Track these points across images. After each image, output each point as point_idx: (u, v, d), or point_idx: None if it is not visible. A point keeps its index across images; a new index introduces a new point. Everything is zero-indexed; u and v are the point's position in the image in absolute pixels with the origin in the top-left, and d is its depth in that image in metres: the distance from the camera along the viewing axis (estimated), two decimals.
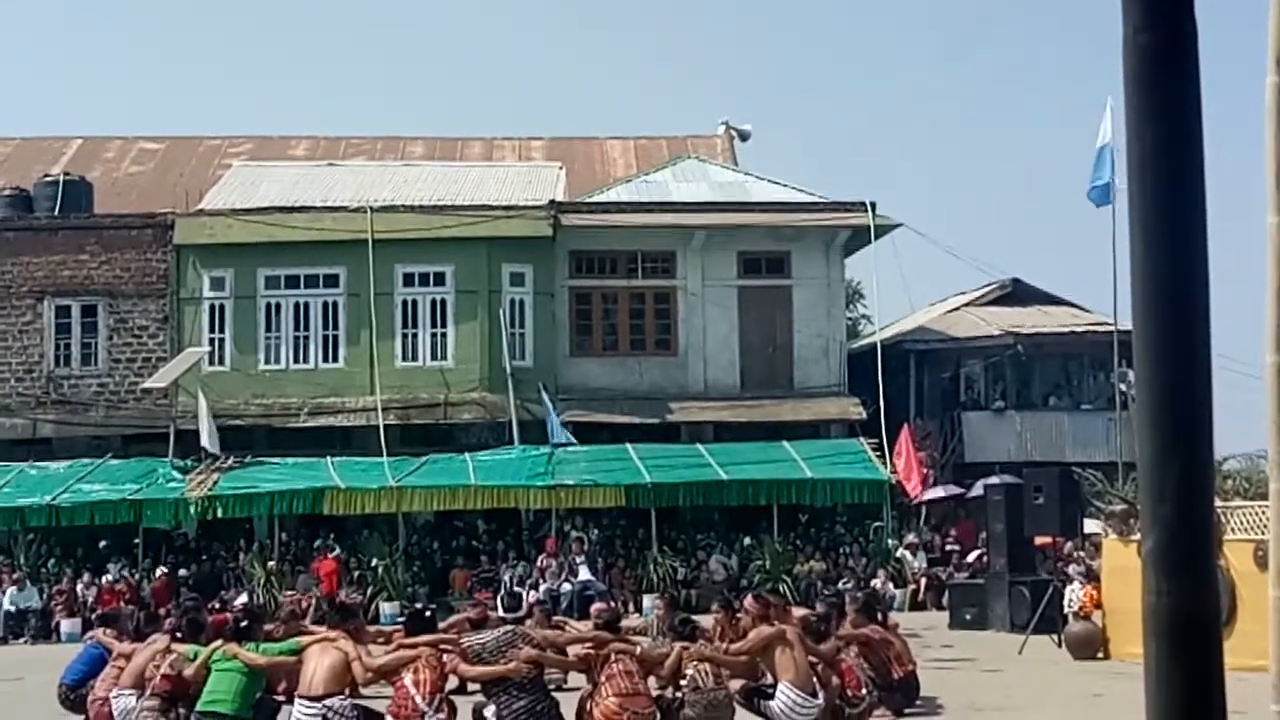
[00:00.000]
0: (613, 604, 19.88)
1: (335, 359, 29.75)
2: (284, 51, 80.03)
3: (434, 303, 29.82)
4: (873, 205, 30.53)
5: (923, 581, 26.45)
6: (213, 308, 29.93)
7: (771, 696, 10.93)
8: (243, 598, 23.83)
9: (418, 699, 9.85)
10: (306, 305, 29.89)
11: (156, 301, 30.12)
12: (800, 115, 75.85)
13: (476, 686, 10.95)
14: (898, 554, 26.95)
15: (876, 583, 25.62)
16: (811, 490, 27.06)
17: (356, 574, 26.16)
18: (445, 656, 10.41)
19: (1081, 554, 22.55)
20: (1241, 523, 15.08)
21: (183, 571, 26.66)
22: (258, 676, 10.77)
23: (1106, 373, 30.01)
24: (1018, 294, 34.92)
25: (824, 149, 73.10)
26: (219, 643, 10.96)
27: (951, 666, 16.33)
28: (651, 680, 11.00)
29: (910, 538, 27.58)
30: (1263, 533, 13.87)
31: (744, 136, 40.02)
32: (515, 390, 28.67)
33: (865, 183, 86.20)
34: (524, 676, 10.03)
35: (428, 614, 11.68)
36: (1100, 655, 16.83)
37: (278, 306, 29.88)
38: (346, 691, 10.29)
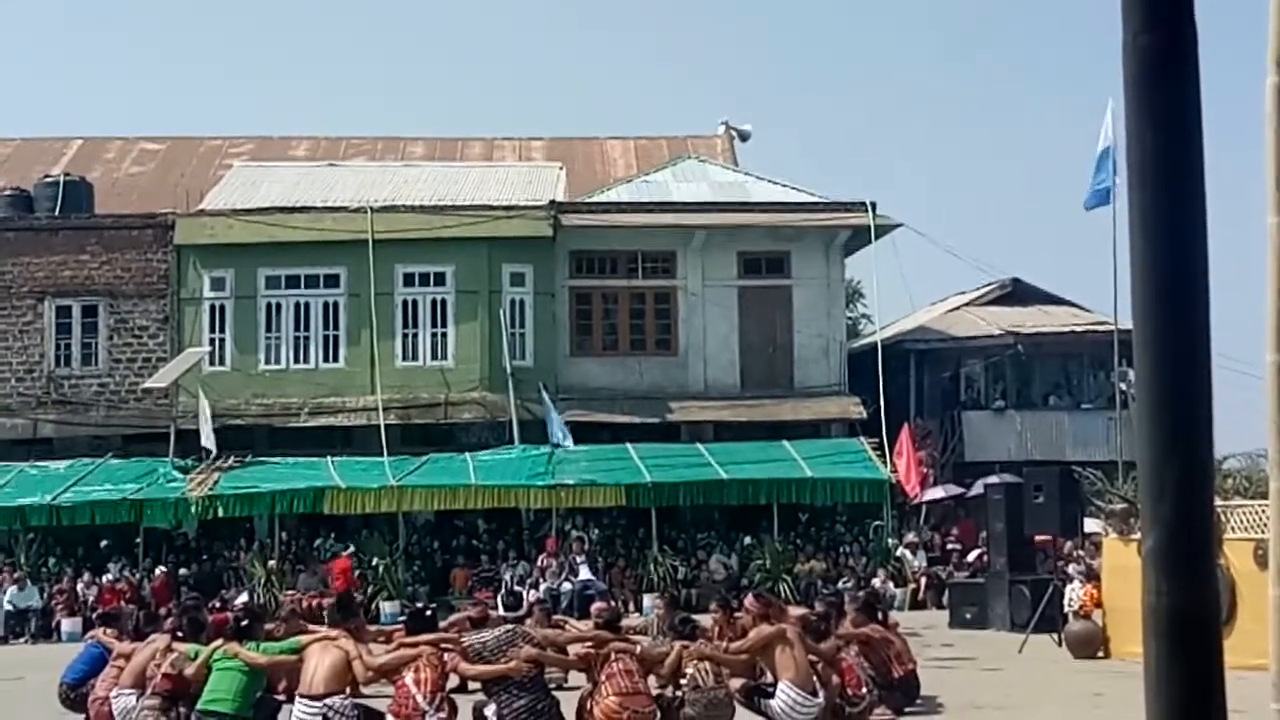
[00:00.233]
0: (613, 603, 19.89)
1: (336, 359, 29.76)
2: (284, 52, 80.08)
3: (434, 303, 29.83)
4: (873, 205, 30.53)
5: (923, 581, 26.46)
6: (213, 308, 29.93)
7: (772, 695, 10.94)
8: (243, 597, 23.85)
9: (419, 698, 9.85)
10: (307, 305, 29.90)
11: (157, 302, 30.12)
12: (800, 115, 75.89)
13: (477, 685, 10.97)
14: (898, 553, 26.96)
15: (876, 582, 25.62)
16: (812, 490, 27.07)
17: (357, 573, 26.15)
18: (446, 655, 10.42)
19: (1081, 553, 22.55)
20: (1241, 522, 15.09)
21: (183, 571, 26.68)
22: (258, 676, 10.77)
23: (1107, 372, 30.01)
24: (1018, 294, 34.92)
25: (824, 149, 73.15)
26: (219, 642, 10.97)
27: (951, 665, 16.34)
28: (652, 679, 11.01)
29: (910, 537, 27.59)
30: (1263, 532, 13.88)
31: (744, 136, 40.03)
32: (515, 390, 28.67)
33: (865, 183, 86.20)
34: (524, 676, 10.03)
35: (429, 613, 11.69)
36: (1100, 654, 16.84)
37: (278, 306, 29.89)
38: (347, 690, 10.29)
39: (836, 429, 29.92)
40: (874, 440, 28.11)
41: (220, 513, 26.62)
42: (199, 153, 38.55)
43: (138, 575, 26.23)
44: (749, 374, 30.65)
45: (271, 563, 26.24)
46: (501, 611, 11.96)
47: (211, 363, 29.36)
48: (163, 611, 17.89)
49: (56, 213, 31.02)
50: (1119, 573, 16.48)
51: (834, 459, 27.85)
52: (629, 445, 28.10)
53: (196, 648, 11.13)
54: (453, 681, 10.82)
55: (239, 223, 29.77)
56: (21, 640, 24.64)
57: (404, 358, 29.66)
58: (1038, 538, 21.05)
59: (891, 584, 25.96)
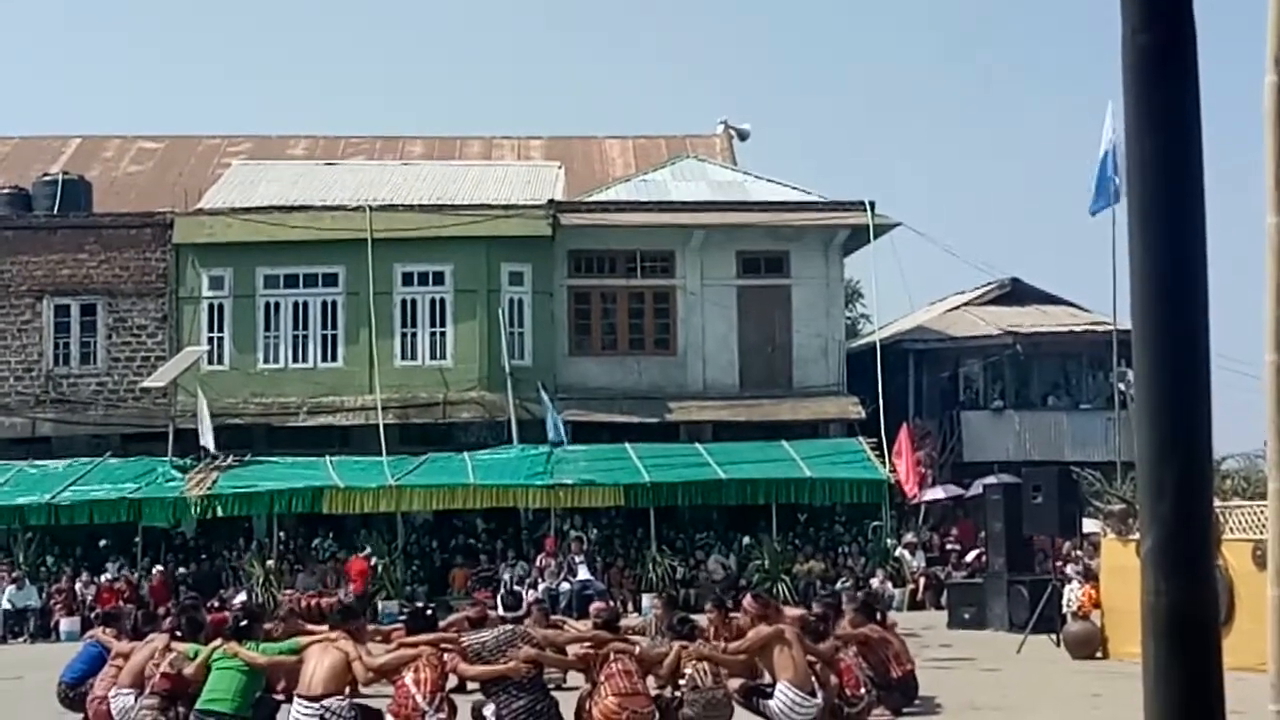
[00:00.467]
0: (611, 603, 19.90)
1: (334, 358, 29.75)
2: (283, 51, 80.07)
3: (433, 302, 29.83)
4: (872, 204, 30.53)
5: (921, 581, 26.45)
6: (212, 307, 29.93)
7: (770, 696, 10.94)
8: (241, 596, 23.85)
9: (418, 698, 9.85)
10: (305, 304, 29.89)
11: (155, 300, 30.12)
12: (799, 114, 75.90)
13: (475, 685, 10.96)
14: (896, 553, 26.95)
15: (875, 582, 25.64)
16: (810, 490, 27.06)
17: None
18: (445, 656, 10.41)
19: (1080, 553, 22.55)
20: (1240, 522, 15.08)
21: (181, 570, 26.68)
22: (257, 675, 10.76)
23: (1105, 372, 30.00)
24: (1016, 293, 34.93)
25: (823, 148, 73.17)
26: (219, 641, 10.95)
27: (950, 666, 16.34)
28: (650, 680, 11.01)
29: (909, 537, 27.59)
30: (1261, 532, 13.87)
31: (743, 136, 40.03)
32: (514, 389, 28.67)
33: (864, 182, 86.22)
34: (524, 676, 10.03)
35: (429, 613, 11.68)
36: (1099, 655, 16.84)
37: (277, 306, 29.88)
38: (346, 691, 10.28)
39: (835, 429, 29.93)
40: (873, 440, 28.11)
41: (219, 512, 26.62)
42: (197, 152, 38.54)
43: (136, 575, 26.22)
44: (748, 374, 30.64)
45: (270, 562, 26.25)
46: (501, 611, 11.94)
47: (210, 362, 29.35)
48: (161, 611, 17.88)
49: (55, 211, 31.02)
50: (1117, 573, 16.49)
51: (833, 459, 27.85)
52: (627, 445, 28.10)
53: (196, 647, 11.13)
54: (451, 682, 10.82)
55: (237, 222, 29.76)
56: (20, 640, 24.63)
57: (402, 357, 29.65)
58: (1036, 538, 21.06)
59: (890, 584, 25.95)
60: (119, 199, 33.62)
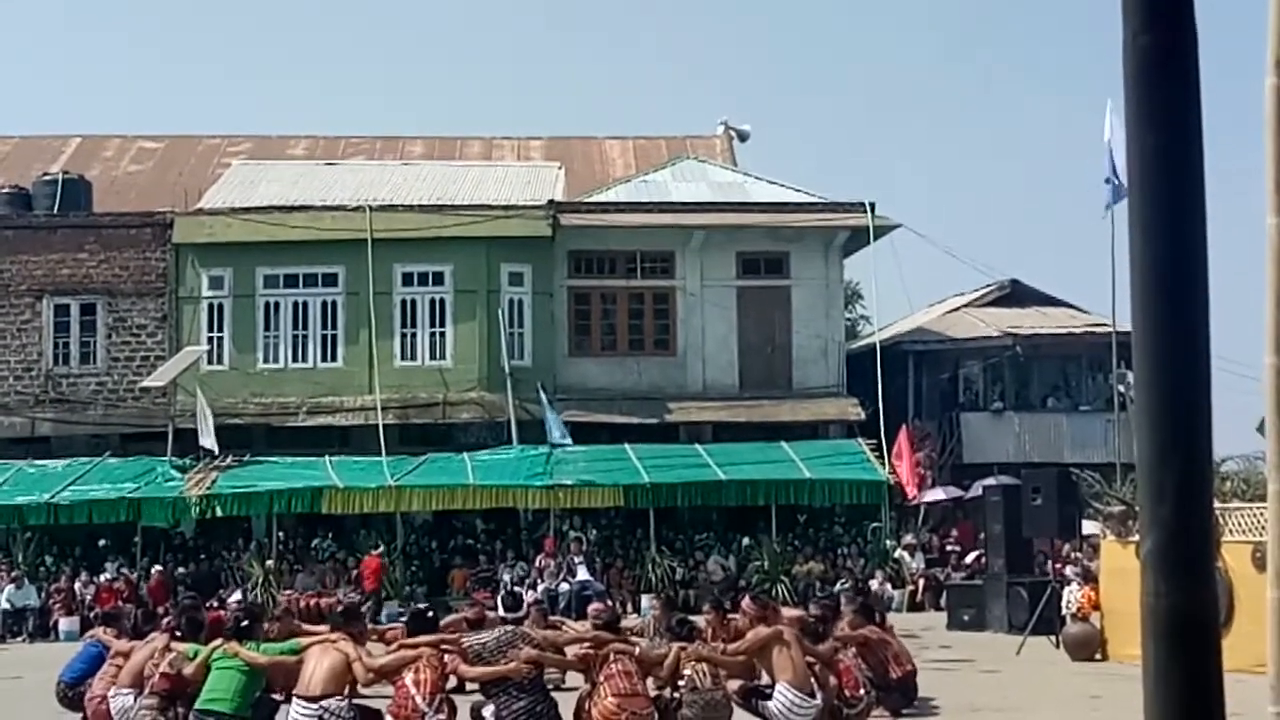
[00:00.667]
0: (611, 604, 19.88)
1: (334, 358, 29.75)
2: (283, 51, 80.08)
3: (433, 302, 29.82)
4: (872, 206, 30.53)
5: (921, 582, 26.45)
6: (211, 307, 29.92)
7: (769, 697, 10.94)
8: (236, 595, 23.83)
9: (418, 699, 9.85)
10: (305, 304, 29.88)
11: (155, 300, 30.11)
12: (799, 116, 75.90)
13: (473, 685, 10.95)
14: (896, 555, 26.96)
15: (875, 583, 25.62)
16: (810, 491, 27.06)
17: (354, 573, 26.17)
18: (446, 657, 10.41)
19: (1079, 555, 22.55)
20: (1240, 524, 15.08)
21: (180, 570, 26.68)
22: (257, 676, 10.75)
23: (1105, 374, 29.99)
24: (1016, 295, 34.93)
25: (823, 149, 73.18)
26: (219, 641, 10.95)
27: (949, 667, 16.34)
28: (650, 681, 11.01)
29: (908, 538, 27.59)
30: (1261, 534, 13.88)
31: (743, 137, 40.04)
32: (514, 390, 28.67)
33: (864, 183, 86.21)
34: (524, 677, 10.03)
35: (430, 614, 11.67)
36: (1098, 656, 16.84)
37: (276, 305, 29.88)
38: (345, 692, 10.27)
39: (835, 430, 29.92)
40: (872, 441, 28.11)
41: (218, 512, 26.62)
42: (197, 151, 38.54)
43: (135, 575, 26.21)
44: (747, 375, 30.64)
45: (269, 562, 26.24)
46: (501, 612, 11.93)
47: (209, 362, 29.34)
48: (160, 611, 17.89)
49: (55, 211, 31.01)
50: (1117, 575, 16.48)
51: (832, 460, 27.84)
52: (627, 446, 28.09)
53: (195, 647, 11.12)
54: (450, 682, 10.81)
55: (237, 221, 29.76)
56: (19, 639, 24.63)
57: (402, 357, 29.65)
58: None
59: (890, 585, 25.96)
60: (119, 198, 33.62)
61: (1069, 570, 20.62)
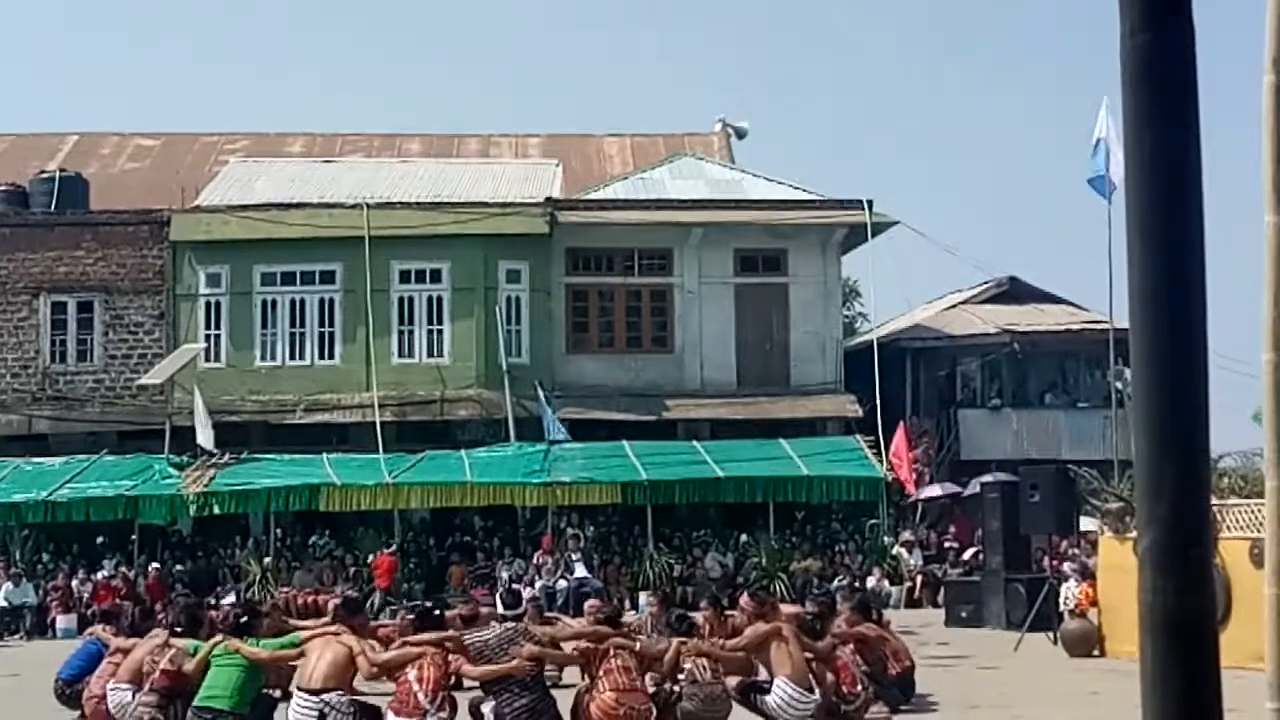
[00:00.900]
0: (609, 599, 19.87)
1: (331, 356, 29.74)
2: (281, 49, 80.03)
3: (430, 300, 29.81)
4: (869, 203, 30.52)
5: (919, 579, 26.46)
6: (209, 304, 29.91)
7: (768, 691, 10.96)
8: (230, 597, 23.77)
9: (420, 696, 9.85)
10: (303, 302, 29.87)
11: (152, 298, 30.10)
12: (797, 113, 75.89)
13: (470, 682, 10.96)
14: (894, 551, 26.97)
15: (872, 580, 25.66)
16: (808, 487, 27.06)
17: (353, 570, 26.16)
18: (451, 656, 10.40)
19: (1077, 551, 22.56)
20: (1237, 521, 15.09)
21: (178, 568, 26.67)
22: (257, 673, 10.74)
23: (1103, 371, 30.02)
24: (1014, 292, 34.93)
25: (821, 146, 73.18)
26: (219, 638, 10.94)
27: (947, 664, 16.35)
28: (649, 677, 11.03)
29: (906, 535, 27.60)
30: (1258, 531, 13.88)
31: (740, 134, 40.04)
32: (511, 387, 28.66)
33: (862, 180, 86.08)
34: (527, 675, 10.06)
35: (436, 612, 11.67)
36: (1096, 653, 16.85)
37: (274, 303, 29.87)
38: (347, 687, 10.26)
39: (833, 427, 29.91)
40: (870, 438, 28.11)
41: (215, 510, 26.62)
42: (195, 149, 38.51)
43: (133, 572, 26.20)
44: (745, 372, 30.64)
45: (267, 560, 26.24)
46: (501, 609, 11.94)
47: (207, 359, 29.33)
48: (157, 608, 17.86)
49: (52, 208, 30.99)
50: (1115, 571, 16.49)
51: (830, 457, 27.84)
52: (625, 443, 28.09)
53: (196, 643, 11.11)
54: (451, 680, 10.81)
55: (235, 219, 29.74)
56: (16, 637, 24.62)
57: (400, 355, 29.65)
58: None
59: (887, 582, 25.97)
60: (116, 196, 33.56)
61: (1067, 567, 20.62)
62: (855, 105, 74.85)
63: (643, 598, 23.91)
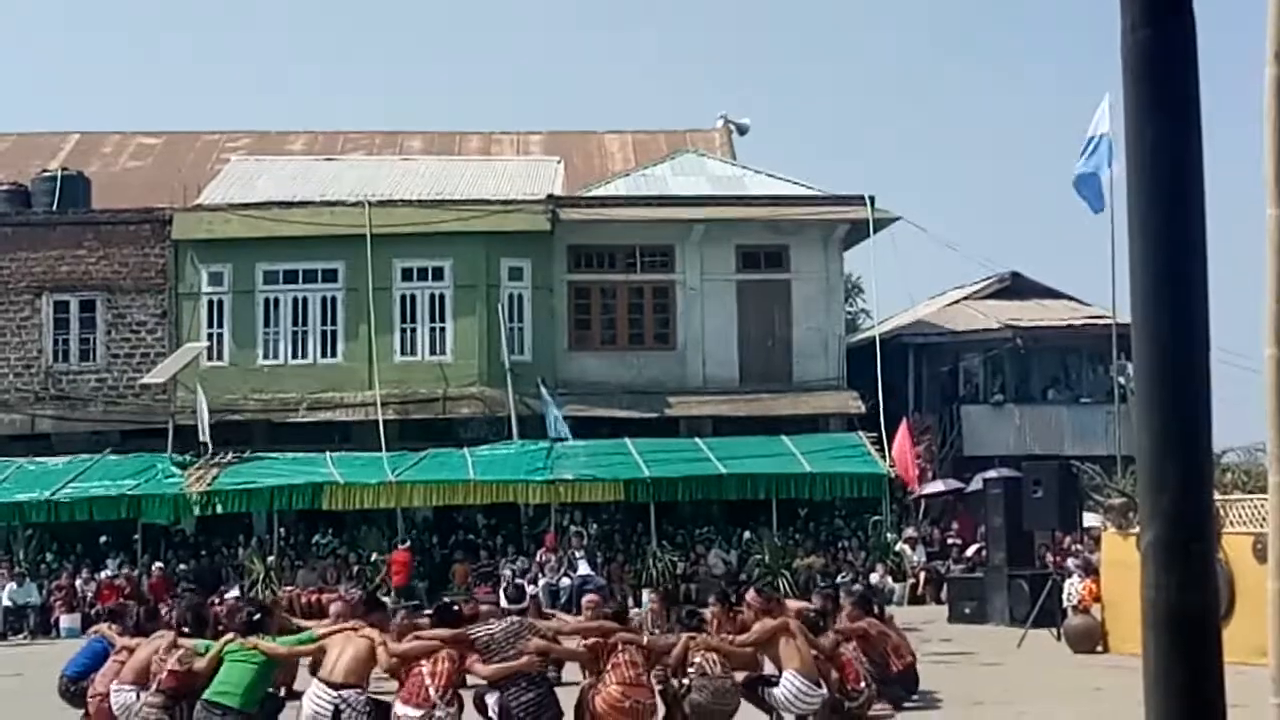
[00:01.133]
0: (611, 597, 19.86)
1: (334, 354, 29.75)
2: (282, 47, 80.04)
3: (432, 297, 29.82)
4: (871, 199, 30.50)
5: (922, 575, 26.47)
6: (211, 303, 29.92)
7: (775, 684, 10.99)
8: (234, 592, 23.82)
9: (431, 689, 9.88)
10: (305, 300, 29.88)
11: (155, 297, 30.11)
12: (799, 109, 75.87)
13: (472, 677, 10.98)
14: (897, 548, 26.97)
15: (875, 577, 25.66)
16: (810, 484, 27.06)
17: (356, 569, 26.19)
18: (464, 653, 10.41)
19: (1080, 547, 22.57)
20: (1240, 516, 15.09)
21: (181, 567, 26.70)
22: (270, 672, 10.74)
23: (1105, 366, 29.99)
24: (1016, 287, 34.92)
25: (822, 142, 73.15)
26: (231, 636, 10.95)
27: (951, 660, 16.35)
28: (655, 671, 11.06)
29: (909, 531, 27.61)
30: (1261, 526, 13.89)
31: (742, 130, 40.01)
32: (514, 385, 28.67)
33: (864, 176, 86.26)
34: (537, 671, 10.12)
35: (455, 608, 11.69)
36: (1099, 649, 16.86)
37: (276, 301, 29.88)
38: (366, 686, 10.29)
39: (835, 423, 29.90)
40: (873, 435, 28.10)
41: (219, 509, 26.64)
42: (196, 147, 38.51)
43: (137, 571, 26.22)
44: (748, 368, 30.63)
45: (270, 559, 26.26)
46: (505, 604, 12.01)
47: (209, 358, 29.33)
48: (162, 608, 17.86)
49: (54, 208, 31.00)
50: (1118, 567, 16.49)
51: (832, 453, 27.84)
52: (627, 440, 28.10)
53: (207, 642, 11.13)
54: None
55: (236, 217, 29.75)
56: (20, 637, 24.64)
57: (402, 353, 29.65)
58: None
59: (890, 579, 25.99)
60: (118, 195, 33.56)
61: (1070, 562, 20.64)
62: (856, 102, 74.87)
63: (646, 595, 23.91)
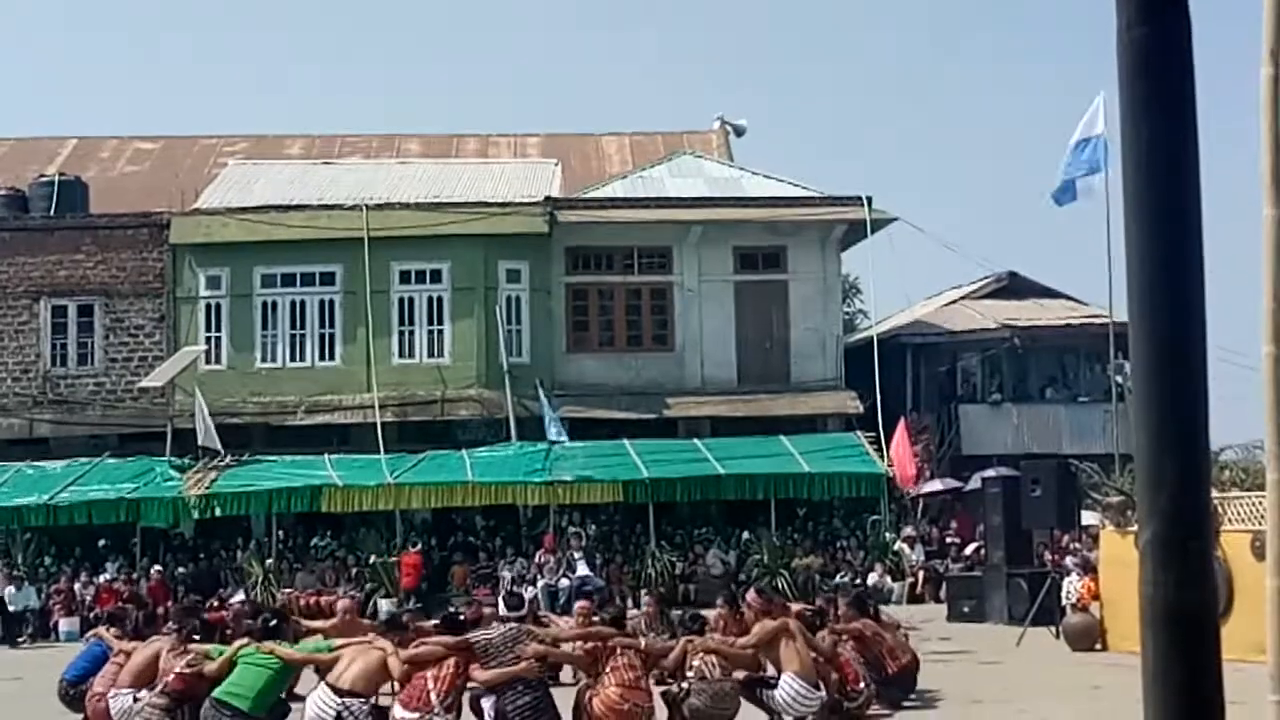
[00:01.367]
0: (608, 600, 19.88)
1: (332, 357, 29.74)
2: (280, 50, 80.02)
3: (430, 300, 29.82)
4: (869, 199, 30.51)
5: (920, 574, 26.46)
6: (209, 306, 29.92)
7: (774, 686, 11.00)
8: (239, 595, 23.83)
9: (432, 694, 9.90)
10: (303, 303, 29.88)
11: (153, 301, 30.10)
12: (796, 110, 75.88)
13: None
14: (895, 547, 26.97)
15: (874, 576, 25.66)
16: (809, 484, 27.06)
17: (355, 571, 26.18)
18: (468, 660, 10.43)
19: (1079, 546, 22.58)
20: (1238, 513, 15.10)
21: (180, 570, 26.68)
22: (283, 678, 10.73)
23: (1103, 365, 30.02)
24: (1014, 287, 34.92)
25: (820, 144, 73.18)
26: (244, 640, 10.96)
27: (950, 659, 16.35)
28: (653, 674, 11.07)
29: (908, 531, 27.60)
30: (1259, 524, 13.89)
31: (739, 132, 40.03)
32: (512, 387, 28.67)
33: (861, 177, 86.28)
34: (536, 676, 10.14)
35: (461, 616, 11.74)
36: (1098, 647, 16.86)
37: (274, 305, 29.87)
38: (371, 697, 10.29)
39: (833, 423, 29.91)
40: (871, 434, 28.11)
41: (217, 512, 26.63)
42: (194, 152, 38.52)
43: (136, 575, 26.20)
44: (746, 369, 30.63)
45: (269, 561, 26.25)
46: (504, 610, 12.03)
47: (208, 361, 29.33)
48: (160, 611, 17.85)
49: (51, 212, 30.99)
50: (1116, 565, 16.50)
51: (831, 453, 27.85)
52: (626, 441, 28.10)
53: (220, 647, 11.13)
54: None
55: (234, 221, 29.75)
56: (19, 641, 24.58)
57: (400, 355, 29.65)
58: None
59: (889, 578, 25.98)
60: (115, 199, 33.56)
61: (1068, 561, 20.65)
62: (854, 103, 74.91)
63: (644, 596, 23.90)
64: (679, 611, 14.55)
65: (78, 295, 30.03)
